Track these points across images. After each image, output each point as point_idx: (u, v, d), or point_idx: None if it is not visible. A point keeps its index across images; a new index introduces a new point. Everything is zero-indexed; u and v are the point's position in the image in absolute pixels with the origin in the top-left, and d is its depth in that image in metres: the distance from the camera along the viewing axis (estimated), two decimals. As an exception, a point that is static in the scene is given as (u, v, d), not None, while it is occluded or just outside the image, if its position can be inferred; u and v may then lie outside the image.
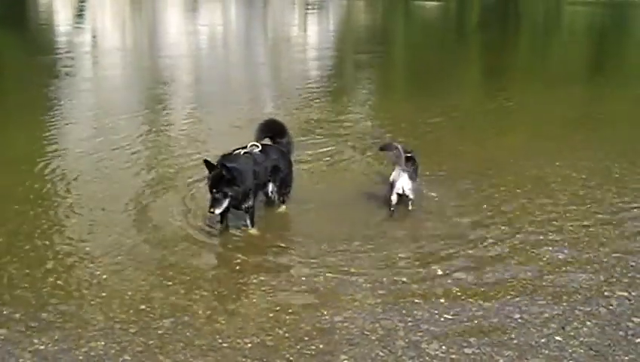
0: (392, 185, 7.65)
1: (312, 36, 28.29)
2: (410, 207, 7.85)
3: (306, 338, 5.27)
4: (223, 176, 6.71)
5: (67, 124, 11.57)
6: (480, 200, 8.24)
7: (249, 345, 5.18)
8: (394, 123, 12.04)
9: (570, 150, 10.37)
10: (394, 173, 7.66)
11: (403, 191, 7.65)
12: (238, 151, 7.24)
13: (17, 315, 5.49)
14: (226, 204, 6.79)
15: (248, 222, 7.19)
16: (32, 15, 33.97)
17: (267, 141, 7.84)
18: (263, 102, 14.50)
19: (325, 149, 10.20)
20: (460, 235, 7.18)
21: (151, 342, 5.17)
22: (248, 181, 6.97)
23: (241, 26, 32.15)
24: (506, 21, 38.50)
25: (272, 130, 7.94)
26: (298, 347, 5.17)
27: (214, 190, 6.73)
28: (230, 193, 6.75)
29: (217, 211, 6.82)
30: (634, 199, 8.32)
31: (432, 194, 8.41)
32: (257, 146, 7.41)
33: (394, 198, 7.67)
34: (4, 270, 6.23)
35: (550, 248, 6.88)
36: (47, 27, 28.68)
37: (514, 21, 39.17)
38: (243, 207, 7.07)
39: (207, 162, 6.83)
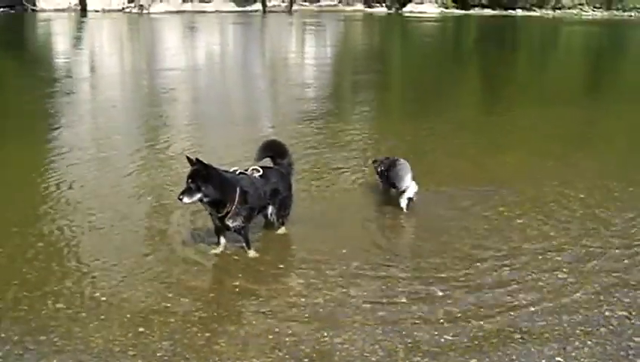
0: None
1: (310, 57, 28.38)
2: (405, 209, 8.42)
3: (306, 360, 5.25)
4: (199, 170, 6.69)
5: (65, 145, 11.53)
6: (479, 219, 8.23)
7: (249, 367, 5.16)
8: (392, 142, 12.05)
9: (569, 168, 10.39)
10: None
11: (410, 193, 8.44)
12: (235, 169, 7.25)
13: (16, 337, 5.47)
14: (196, 197, 6.71)
15: (244, 244, 7.18)
16: (30, 38, 34.16)
17: (268, 160, 7.84)
18: (260, 122, 14.50)
19: (323, 169, 10.21)
20: (460, 255, 7.17)
21: (150, 364, 5.15)
22: (228, 191, 6.87)
23: (239, 48, 32.26)
24: (503, 41, 38.68)
25: (274, 150, 7.93)
26: (298, 369, 5.15)
27: (189, 180, 6.70)
28: (203, 188, 6.67)
29: (185, 200, 6.74)
30: (634, 218, 8.32)
31: (432, 213, 8.43)
32: (258, 171, 7.40)
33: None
34: (3, 292, 6.20)
35: (550, 267, 6.87)
36: (45, 50, 28.78)
37: (511, 41, 39.36)
38: (230, 224, 7.00)
39: (189, 158, 6.82)
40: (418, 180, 8.47)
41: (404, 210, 8.39)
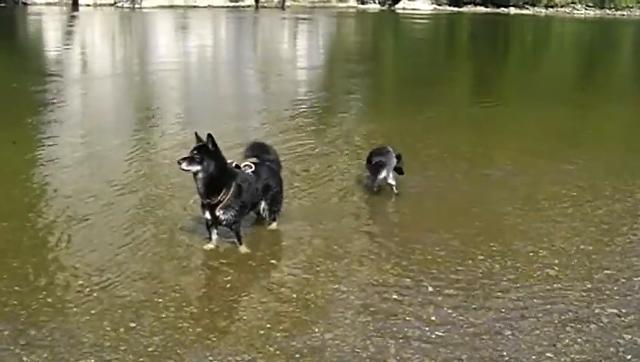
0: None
1: (302, 53, 28.34)
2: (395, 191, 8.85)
3: (297, 356, 5.25)
4: (207, 146, 6.80)
5: (55, 141, 11.46)
6: (470, 217, 8.25)
7: (240, 362, 5.16)
8: (383, 139, 12.03)
9: (560, 166, 10.40)
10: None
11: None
12: (230, 162, 7.27)
13: (6, 332, 5.44)
14: (195, 168, 6.80)
15: (236, 239, 7.18)
16: (21, 34, 34.01)
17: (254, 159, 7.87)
18: (251, 117, 14.42)
19: (314, 164, 10.20)
20: (451, 252, 7.19)
21: (141, 359, 5.14)
22: (226, 179, 6.94)
23: (231, 44, 32.16)
24: (496, 39, 38.73)
25: (258, 150, 7.92)
26: (289, 364, 5.16)
27: (195, 151, 6.82)
28: (205, 162, 6.77)
29: (184, 165, 6.81)
30: (624, 216, 8.37)
31: (423, 209, 8.45)
32: (250, 167, 7.41)
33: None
34: (-7, 287, 6.18)
35: (540, 265, 6.90)
36: (36, 46, 28.65)
37: (503, 39, 39.41)
38: (221, 217, 6.98)
39: (197, 135, 6.93)
40: (411, 176, 8.53)
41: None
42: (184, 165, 6.84)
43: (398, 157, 8.91)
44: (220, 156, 6.90)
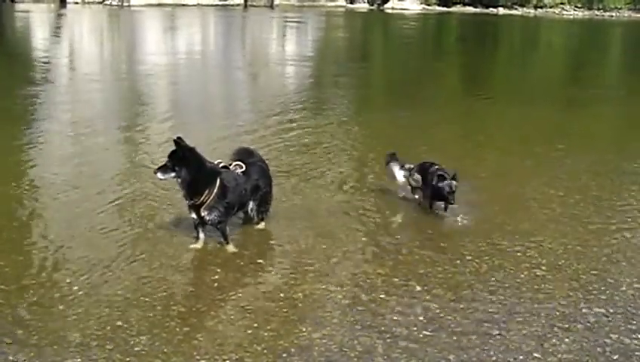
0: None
1: (290, 52, 28.28)
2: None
3: (285, 355, 5.24)
4: (177, 152, 6.87)
5: (44, 141, 11.41)
6: (458, 216, 8.24)
7: (227, 361, 5.14)
8: (371, 139, 12.05)
9: (548, 167, 10.43)
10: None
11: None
12: (219, 162, 7.26)
13: (-8, 332, 5.42)
14: (169, 175, 6.95)
15: (222, 238, 7.17)
16: (8, 32, 33.85)
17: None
18: (239, 116, 14.38)
19: (303, 164, 10.19)
20: (439, 252, 7.19)
21: (128, 359, 5.12)
22: (205, 180, 6.94)
23: (220, 45, 32.08)
24: (484, 39, 38.82)
25: (242, 154, 7.88)
26: (276, 364, 5.14)
27: (168, 158, 6.92)
28: (176, 168, 6.86)
29: (158, 174, 7.01)
30: (612, 216, 8.40)
31: (411, 210, 8.45)
32: (241, 167, 7.38)
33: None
34: (-21, 286, 6.15)
35: (528, 265, 6.91)
36: (23, 44, 28.51)
37: (491, 39, 39.50)
38: (206, 217, 6.98)
39: (174, 140, 6.92)
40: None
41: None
42: (159, 174, 7.01)
43: (441, 177, 8.21)
44: (193, 159, 6.90)
